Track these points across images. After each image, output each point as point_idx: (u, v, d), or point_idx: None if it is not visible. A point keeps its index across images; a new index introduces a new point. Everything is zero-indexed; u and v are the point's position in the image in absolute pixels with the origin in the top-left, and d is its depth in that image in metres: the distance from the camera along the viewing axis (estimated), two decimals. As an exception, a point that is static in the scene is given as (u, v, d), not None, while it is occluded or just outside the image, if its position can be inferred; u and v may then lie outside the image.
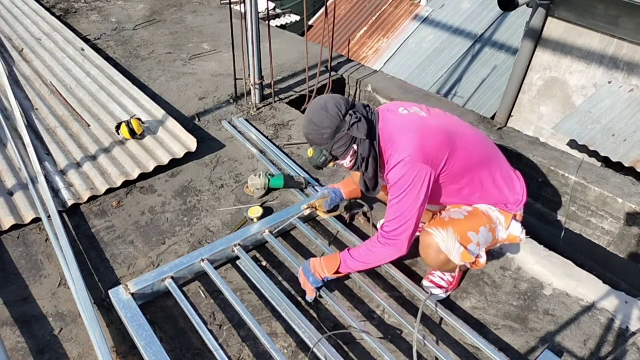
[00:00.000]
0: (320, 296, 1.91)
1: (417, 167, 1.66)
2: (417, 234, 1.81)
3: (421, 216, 1.73)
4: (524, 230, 1.93)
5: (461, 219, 1.84)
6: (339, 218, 2.37)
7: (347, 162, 1.82)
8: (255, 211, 2.33)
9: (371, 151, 1.77)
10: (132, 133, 2.78)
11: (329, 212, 2.29)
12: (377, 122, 1.78)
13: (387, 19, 7.88)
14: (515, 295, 2.07)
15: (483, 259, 1.84)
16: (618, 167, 3.15)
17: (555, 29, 3.69)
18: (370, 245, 1.82)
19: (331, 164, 1.84)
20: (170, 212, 2.42)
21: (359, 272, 1.98)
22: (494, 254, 2.24)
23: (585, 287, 2.08)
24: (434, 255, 1.79)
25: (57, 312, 1.90)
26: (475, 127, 2.00)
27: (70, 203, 2.36)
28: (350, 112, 1.72)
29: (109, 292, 1.86)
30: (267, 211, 2.41)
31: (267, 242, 2.20)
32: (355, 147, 1.76)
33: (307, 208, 2.27)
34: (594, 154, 3.36)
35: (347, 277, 2.04)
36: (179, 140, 2.82)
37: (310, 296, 1.93)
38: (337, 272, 1.87)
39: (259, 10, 3.00)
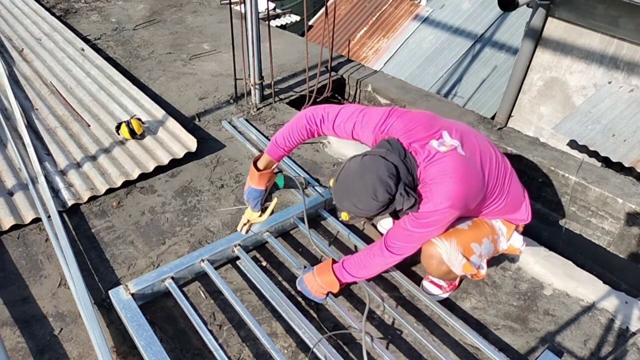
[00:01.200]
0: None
1: (448, 214, 1.61)
2: None
3: None
4: (525, 243, 1.94)
5: (465, 229, 1.81)
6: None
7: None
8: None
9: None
10: (132, 133, 2.78)
11: (264, 210, 1.95)
12: (416, 167, 1.62)
13: (387, 19, 7.88)
14: (515, 295, 2.07)
15: (484, 270, 1.84)
16: (618, 167, 3.15)
17: (555, 29, 3.69)
18: (366, 257, 1.80)
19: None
20: (170, 212, 2.42)
21: None
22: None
23: (585, 287, 2.08)
24: (436, 266, 1.79)
25: (57, 312, 1.90)
26: (479, 130, 1.95)
27: (70, 203, 2.36)
28: (401, 191, 1.55)
29: (109, 292, 1.86)
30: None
31: (267, 242, 2.20)
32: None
33: (243, 227, 1.99)
34: (594, 154, 3.36)
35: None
36: (179, 140, 2.82)
37: (323, 300, 1.93)
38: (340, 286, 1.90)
39: (259, 10, 3.00)
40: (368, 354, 1.77)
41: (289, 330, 1.86)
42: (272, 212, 1.97)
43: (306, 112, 1.81)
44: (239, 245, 2.11)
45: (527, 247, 2.25)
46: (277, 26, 6.87)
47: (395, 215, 1.82)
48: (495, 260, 2.22)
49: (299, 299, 1.99)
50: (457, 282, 2.05)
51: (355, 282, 1.99)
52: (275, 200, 1.95)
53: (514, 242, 1.91)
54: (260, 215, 1.94)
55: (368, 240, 2.25)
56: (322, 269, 1.88)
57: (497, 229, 1.87)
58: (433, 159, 1.60)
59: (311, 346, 1.71)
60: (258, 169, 1.84)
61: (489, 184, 1.69)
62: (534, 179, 2.85)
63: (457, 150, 1.62)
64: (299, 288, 1.95)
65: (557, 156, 2.86)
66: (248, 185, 1.88)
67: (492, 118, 3.58)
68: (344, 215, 1.68)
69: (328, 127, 1.80)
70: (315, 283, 1.87)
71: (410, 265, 2.18)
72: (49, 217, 2.25)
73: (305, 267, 1.99)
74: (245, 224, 1.98)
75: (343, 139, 1.84)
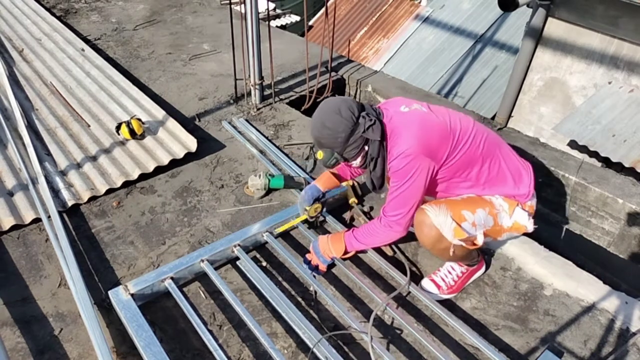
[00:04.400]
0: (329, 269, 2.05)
1: (418, 160, 1.72)
2: None
3: (420, 202, 1.82)
4: (532, 220, 1.92)
5: (457, 200, 1.88)
6: (339, 218, 2.36)
7: (357, 162, 1.87)
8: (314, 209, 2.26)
9: (380, 151, 1.81)
10: (132, 133, 2.78)
11: (312, 208, 2.20)
12: (382, 117, 1.83)
13: (387, 19, 7.88)
14: (515, 295, 2.07)
15: (480, 239, 1.84)
16: (618, 168, 3.15)
17: (555, 29, 3.69)
18: (372, 227, 1.92)
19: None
20: (170, 212, 2.42)
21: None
22: (494, 254, 2.24)
23: (585, 287, 2.08)
24: (427, 232, 1.81)
25: (57, 312, 1.90)
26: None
27: (70, 203, 2.36)
28: (363, 114, 1.77)
29: (109, 292, 1.86)
30: (267, 211, 2.41)
31: (266, 242, 2.20)
32: (366, 147, 1.82)
33: (310, 217, 2.23)
34: (594, 155, 3.36)
35: (348, 274, 2.04)
36: (179, 141, 2.82)
37: (322, 271, 2.06)
38: (344, 254, 2.00)
39: (259, 11, 3.00)
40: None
41: (289, 330, 1.86)
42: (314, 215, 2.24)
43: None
44: (239, 245, 2.11)
45: (527, 247, 2.26)
46: (277, 26, 6.87)
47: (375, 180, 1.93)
48: (495, 260, 2.22)
49: (299, 299, 1.99)
50: (457, 287, 2.03)
51: (364, 251, 2.15)
52: (316, 206, 2.20)
53: (518, 218, 1.89)
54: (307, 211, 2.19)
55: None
56: (336, 236, 2.03)
57: (496, 205, 1.89)
58: (397, 115, 1.82)
59: (311, 346, 1.71)
60: (333, 173, 2.19)
61: (456, 134, 1.79)
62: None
63: (419, 110, 1.83)
64: (311, 246, 2.08)
65: (557, 156, 2.86)
66: (314, 184, 2.20)
67: (493, 118, 3.58)
68: (319, 154, 1.83)
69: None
70: (327, 245, 2.01)
71: (410, 266, 2.17)
72: (49, 217, 2.25)
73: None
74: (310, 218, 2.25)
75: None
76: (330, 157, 1.82)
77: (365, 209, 2.45)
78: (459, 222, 1.79)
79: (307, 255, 2.09)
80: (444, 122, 1.80)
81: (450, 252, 1.84)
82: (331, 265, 2.09)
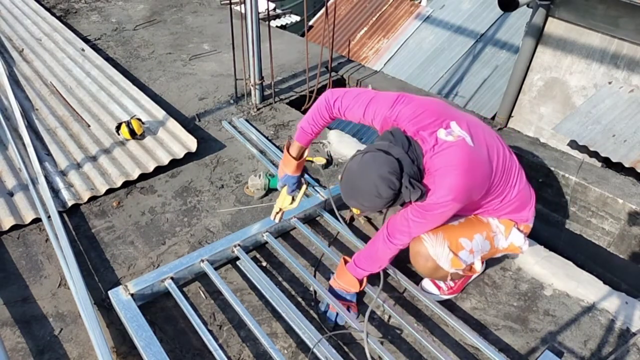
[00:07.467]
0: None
1: (452, 206, 1.58)
2: None
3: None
4: (527, 241, 1.89)
5: (455, 225, 1.79)
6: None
7: None
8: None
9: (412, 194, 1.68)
10: (132, 133, 2.78)
11: (293, 197, 2.05)
12: (422, 156, 1.58)
13: (387, 19, 7.87)
14: (516, 295, 2.07)
15: (478, 265, 1.81)
16: (618, 168, 3.14)
17: (556, 29, 3.69)
18: (372, 248, 1.83)
19: None
20: (170, 212, 2.42)
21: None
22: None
23: (585, 287, 2.08)
24: (422, 262, 1.77)
25: (57, 312, 1.90)
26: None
27: (70, 203, 2.36)
28: (405, 185, 1.52)
29: (109, 292, 1.86)
30: (267, 211, 2.41)
31: (266, 242, 2.20)
32: None
33: (276, 215, 2.05)
34: (594, 155, 3.35)
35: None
36: (179, 141, 2.82)
37: (354, 310, 1.92)
38: (360, 284, 1.91)
39: (259, 11, 3.00)
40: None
41: (289, 330, 1.86)
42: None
43: (326, 95, 1.82)
44: (239, 245, 2.11)
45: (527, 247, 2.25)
46: (277, 26, 6.86)
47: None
48: (496, 260, 2.21)
49: (299, 299, 1.99)
50: (458, 287, 2.03)
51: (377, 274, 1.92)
52: (304, 187, 2.02)
53: (514, 240, 1.86)
54: (292, 202, 2.02)
55: (368, 240, 2.25)
56: (340, 271, 1.93)
57: (493, 227, 1.84)
58: (439, 149, 1.56)
59: (311, 346, 1.71)
60: (294, 158, 1.92)
61: (495, 178, 1.66)
62: (534, 179, 2.85)
63: (465, 140, 1.57)
64: (328, 297, 1.90)
65: (557, 156, 2.86)
66: (283, 172, 1.96)
67: (493, 118, 3.58)
68: (355, 210, 1.76)
69: (341, 112, 1.81)
70: (340, 286, 1.92)
71: (410, 266, 2.17)
72: (49, 217, 2.25)
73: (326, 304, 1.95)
74: (277, 212, 2.05)
75: (356, 122, 1.85)
76: (366, 212, 1.82)
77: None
78: (456, 252, 1.73)
79: (330, 309, 1.90)
80: (487, 161, 1.62)
81: (448, 279, 1.83)
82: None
